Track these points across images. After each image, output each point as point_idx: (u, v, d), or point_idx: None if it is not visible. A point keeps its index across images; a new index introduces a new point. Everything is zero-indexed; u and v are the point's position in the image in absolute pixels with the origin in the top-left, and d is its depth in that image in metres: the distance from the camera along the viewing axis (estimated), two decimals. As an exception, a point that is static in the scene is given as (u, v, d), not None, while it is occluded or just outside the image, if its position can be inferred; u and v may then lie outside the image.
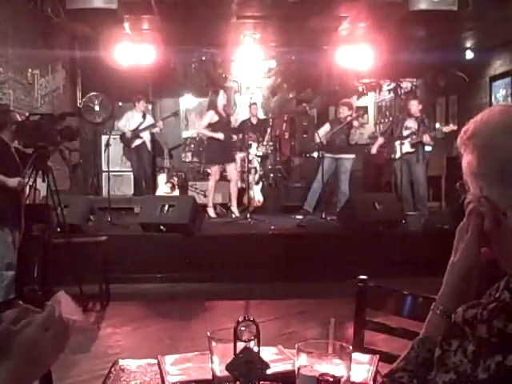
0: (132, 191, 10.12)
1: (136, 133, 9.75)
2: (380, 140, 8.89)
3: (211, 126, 8.36)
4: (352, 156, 8.73)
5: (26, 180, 5.07)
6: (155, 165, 10.75)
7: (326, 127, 8.72)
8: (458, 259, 1.06)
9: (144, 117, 9.93)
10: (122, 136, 9.78)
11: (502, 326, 0.87)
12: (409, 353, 1.07)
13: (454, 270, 1.06)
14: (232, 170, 8.64)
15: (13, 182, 4.80)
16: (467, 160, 1.00)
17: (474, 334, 0.90)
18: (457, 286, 1.06)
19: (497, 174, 0.95)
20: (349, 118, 8.66)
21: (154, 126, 9.94)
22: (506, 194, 0.95)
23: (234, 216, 8.45)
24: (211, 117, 8.35)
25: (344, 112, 8.73)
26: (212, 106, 8.47)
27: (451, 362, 0.93)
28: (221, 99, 8.40)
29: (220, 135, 8.25)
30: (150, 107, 11.39)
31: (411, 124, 8.53)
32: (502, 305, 0.90)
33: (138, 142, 9.79)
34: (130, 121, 9.80)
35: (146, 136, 9.88)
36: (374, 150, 9.08)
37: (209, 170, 10.05)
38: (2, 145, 4.82)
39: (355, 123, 9.23)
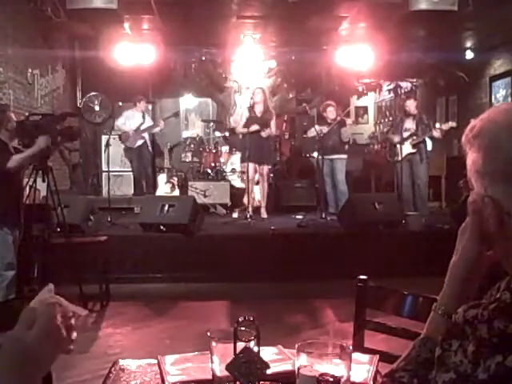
0: (132, 191, 10.12)
1: (138, 133, 9.76)
2: (392, 136, 8.78)
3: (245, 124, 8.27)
4: (344, 156, 8.79)
5: (26, 180, 5.08)
6: (155, 165, 10.76)
7: (315, 129, 8.69)
8: (458, 259, 1.06)
9: (143, 117, 9.93)
10: (123, 135, 9.75)
11: (503, 326, 0.87)
12: (410, 353, 1.07)
13: (454, 271, 1.07)
14: (264, 171, 8.43)
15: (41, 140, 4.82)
16: (472, 158, 1.00)
17: (475, 334, 0.90)
18: (458, 287, 1.06)
19: (502, 174, 0.95)
20: (338, 118, 8.70)
21: (155, 126, 9.96)
22: (511, 193, 0.95)
23: (263, 217, 8.28)
24: (245, 114, 8.32)
25: (331, 114, 8.75)
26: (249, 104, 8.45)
27: (451, 361, 0.92)
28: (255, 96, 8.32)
29: (255, 127, 8.04)
30: (149, 107, 11.41)
31: (409, 125, 8.53)
32: (503, 305, 0.89)
33: (139, 142, 9.80)
34: (129, 120, 9.78)
35: (146, 136, 9.90)
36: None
37: (208, 170, 10.08)
38: (0, 144, 4.82)
39: (349, 121, 9.26)
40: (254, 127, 8.10)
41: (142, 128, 9.81)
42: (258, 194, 9.26)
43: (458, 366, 0.91)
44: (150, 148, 10.06)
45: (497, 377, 0.86)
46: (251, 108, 8.31)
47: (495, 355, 0.86)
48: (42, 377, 0.92)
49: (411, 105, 8.60)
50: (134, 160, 9.91)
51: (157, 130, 10.05)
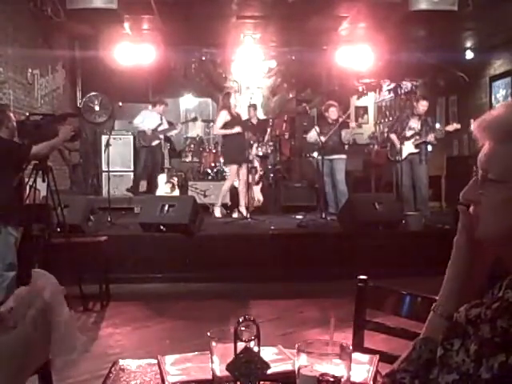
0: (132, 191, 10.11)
1: (156, 133, 9.82)
2: (393, 137, 8.76)
3: (225, 126, 8.48)
4: (344, 156, 8.80)
5: (26, 180, 5.08)
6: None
7: (315, 132, 8.69)
8: (451, 260, 1.06)
9: (161, 119, 9.98)
10: (141, 133, 9.80)
11: (506, 325, 0.87)
12: (410, 353, 1.07)
13: (450, 271, 1.07)
14: (243, 170, 8.57)
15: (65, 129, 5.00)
16: (508, 152, 0.97)
17: (477, 333, 0.90)
18: (455, 287, 1.06)
19: None
20: (340, 119, 8.70)
21: (171, 128, 10.08)
22: None
23: (239, 216, 8.42)
24: (224, 116, 8.45)
25: (333, 114, 8.74)
26: (225, 106, 8.57)
27: (453, 361, 0.92)
28: (233, 100, 8.60)
29: (237, 129, 8.39)
30: (150, 107, 11.43)
31: (415, 124, 8.48)
32: (506, 304, 0.89)
33: (156, 142, 9.87)
34: (147, 119, 9.81)
35: (162, 138, 10.00)
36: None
37: (208, 170, 10.11)
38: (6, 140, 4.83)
39: (352, 124, 9.26)
40: (237, 129, 8.39)
41: (160, 129, 9.89)
42: (258, 194, 9.28)
43: (460, 365, 0.91)
44: (163, 149, 10.12)
45: (500, 376, 0.86)
46: (229, 110, 8.47)
47: (498, 354, 0.86)
48: (41, 376, 0.92)
49: (424, 105, 8.51)
50: (142, 159, 9.92)
51: (174, 132, 10.17)
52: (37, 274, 0.94)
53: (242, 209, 8.59)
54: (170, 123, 10.15)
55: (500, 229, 0.97)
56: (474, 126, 1.02)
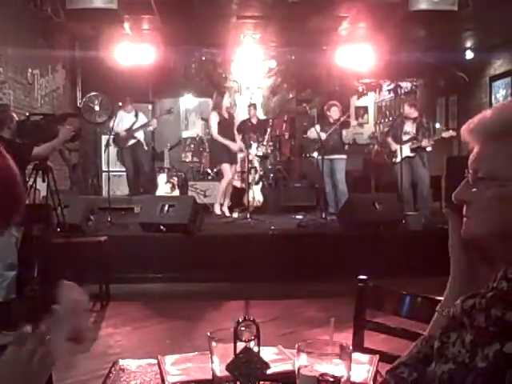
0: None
1: (130, 132, 9.76)
2: (389, 140, 8.77)
3: (219, 128, 8.47)
4: (344, 156, 8.80)
5: (26, 180, 5.08)
6: (154, 164, 10.76)
7: (315, 130, 8.70)
8: (451, 262, 1.08)
9: (136, 116, 9.92)
10: (116, 136, 9.74)
11: (500, 314, 0.88)
12: (411, 350, 1.08)
13: (451, 273, 1.09)
14: (232, 171, 8.66)
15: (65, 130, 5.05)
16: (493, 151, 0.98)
17: (473, 323, 0.91)
18: (457, 288, 1.07)
19: None
20: (342, 119, 8.70)
21: (148, 124, 9.97)
22: None
23: (222, 215, 8.51)
24: (215, 118, 8.45)
25: (335, 114, 8.74)
26: (215, 107, 8.58)
27: (450, 352, 0.94)
28: (226, 101, 8.55)
29: (234, 145, 8.46)
30: (149, 107, 11.42)
31: (409, 128, 8.47)
32: (500, 293, 0.91)
33: (132, 141, 9.80)
34: (122, 121, 9.76)
35: (140, 135, 9.90)
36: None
37: (208, 170, 10.11)
38: (8, 141, 4.83)
39: (354, 123, 9.26)
40: (233, 146, 8.49)
41: (135, 127, 9.82)
42: (258, 194, 9.28)
43: (456, 356, 0.92)
44: (145, 147, 10.05)
45: (496, 364, 0.86)
46: (219, 112, 8.46)
47: (492, 343, 0.87)
48: None
49: (407, 109, 8.57)
50: (127, 160, 9.89)
51: (151, 128, 10.08)
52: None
53: (225, 208, 8.65)
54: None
55: (489, 227, 0.98)
56: (462, 129, 1.04)
